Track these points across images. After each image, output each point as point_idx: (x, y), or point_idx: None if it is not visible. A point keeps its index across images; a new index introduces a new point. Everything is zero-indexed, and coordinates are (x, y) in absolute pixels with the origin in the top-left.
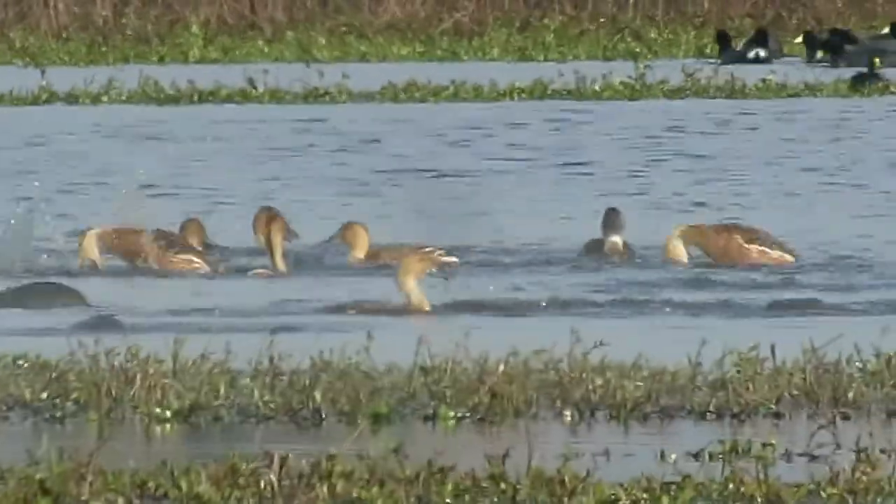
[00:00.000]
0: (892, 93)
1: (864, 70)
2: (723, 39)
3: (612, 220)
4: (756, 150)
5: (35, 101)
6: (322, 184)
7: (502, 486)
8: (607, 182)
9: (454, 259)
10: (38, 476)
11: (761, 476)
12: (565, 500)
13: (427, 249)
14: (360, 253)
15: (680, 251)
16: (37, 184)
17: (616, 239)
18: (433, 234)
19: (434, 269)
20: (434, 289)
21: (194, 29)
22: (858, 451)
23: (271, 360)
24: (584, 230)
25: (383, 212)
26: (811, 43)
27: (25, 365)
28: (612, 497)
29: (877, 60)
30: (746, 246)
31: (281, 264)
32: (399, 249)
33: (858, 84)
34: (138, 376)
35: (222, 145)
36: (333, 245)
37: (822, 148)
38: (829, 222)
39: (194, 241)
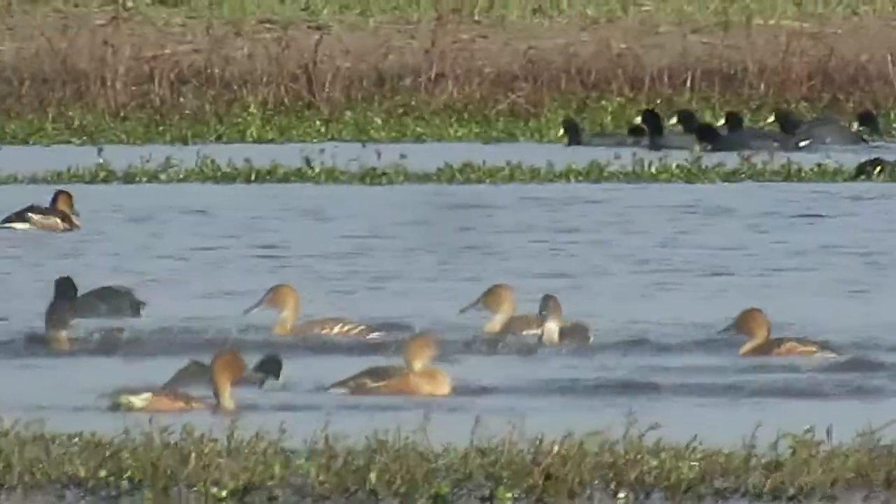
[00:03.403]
0: None
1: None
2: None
3: (546, 306)
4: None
5: (92, 179)
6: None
7: None
8: (662, 264)
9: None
10: None
11: None
12: None
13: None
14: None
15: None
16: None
17: (552, 325)
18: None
19: (437, 354)
20: (488, 369)
21: (252, 108)
22: None
23: (326, 439)
24: (630, 314)
25: (442, 286)
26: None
27: (80, 442)
28: None
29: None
30: None
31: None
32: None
33: (874, 167)
34: (193, 454)
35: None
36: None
37: (877, 232)
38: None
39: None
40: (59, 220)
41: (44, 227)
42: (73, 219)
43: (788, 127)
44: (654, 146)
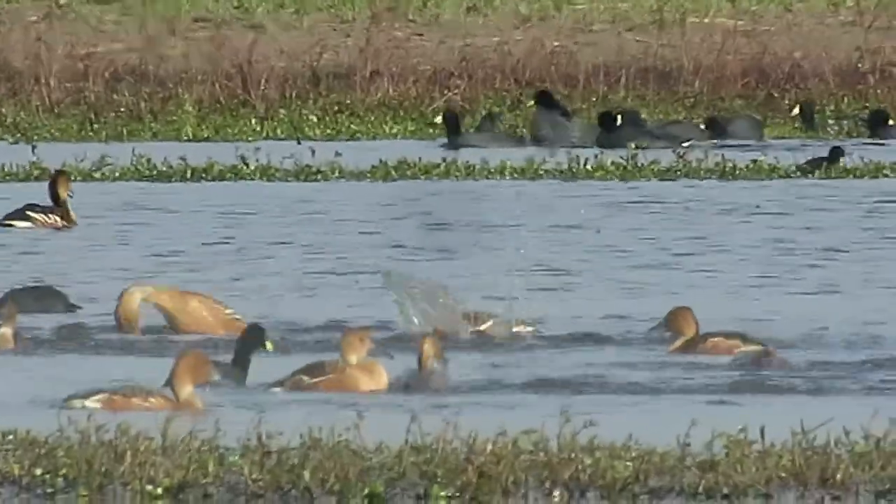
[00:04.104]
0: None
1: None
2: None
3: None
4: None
5: (26, 177)
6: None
7: None
8: (595, 263)
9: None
10: None
11: None
12: None
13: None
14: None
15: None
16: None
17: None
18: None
19: (372, 348)
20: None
21: (187, 106)
22: None
23: (260, 437)
24: (575, 310)
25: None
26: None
27: (15, 440)
28: None
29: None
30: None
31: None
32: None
33: (813, 167)
34: (128, 452)
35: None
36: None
37: (804, 229)
38: (811, 303)
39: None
40: (58, 219)
41: (45, 226)
42: (72, 216)
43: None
44: (452, 145)
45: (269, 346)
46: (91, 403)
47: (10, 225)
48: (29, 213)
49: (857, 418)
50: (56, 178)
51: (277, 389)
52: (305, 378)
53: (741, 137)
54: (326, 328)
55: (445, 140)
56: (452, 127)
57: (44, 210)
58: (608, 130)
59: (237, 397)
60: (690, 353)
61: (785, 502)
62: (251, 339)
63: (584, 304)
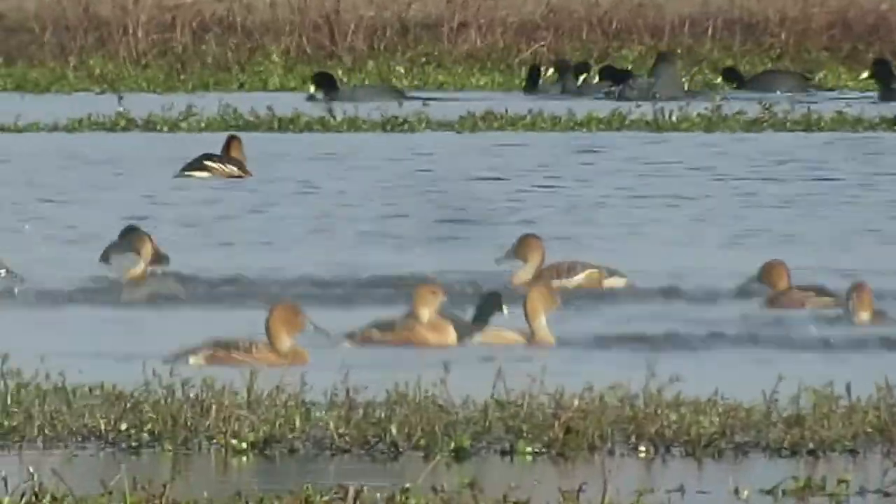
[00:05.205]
0: None
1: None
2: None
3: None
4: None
5: (112, 127)
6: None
7: None
8: (680, 215)
9: None
10: None
11: None
12: None
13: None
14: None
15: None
16: None
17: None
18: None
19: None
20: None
21: (274, 57)
22: None
23: (347, 392)
24: (656, 264)
25: (454, 234)
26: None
27: (101, 394)
28: None
29: None
30: None
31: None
32: None
33: None
34: (213, 407)
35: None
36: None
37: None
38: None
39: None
40: (235, 168)
41: (222, 175)
42: (247, 168)
43: (617, 81)
44: (330, 99)
45: (505, 310)
46: (198, 358)
47: (190, 175)
48: (207, 162)
49: None
50: (229, 143)
51: (347, 343)
52: (376, 333)
53: (778, 91)
54: (399, 281)
55: (322, 97)
56: (328, 85)
57: (221, 160)
58: (615, 81)
59: (322, 351)
60: (776, 308)
61: (871, 458)
62: (491, 303)
63: (672, 258)
